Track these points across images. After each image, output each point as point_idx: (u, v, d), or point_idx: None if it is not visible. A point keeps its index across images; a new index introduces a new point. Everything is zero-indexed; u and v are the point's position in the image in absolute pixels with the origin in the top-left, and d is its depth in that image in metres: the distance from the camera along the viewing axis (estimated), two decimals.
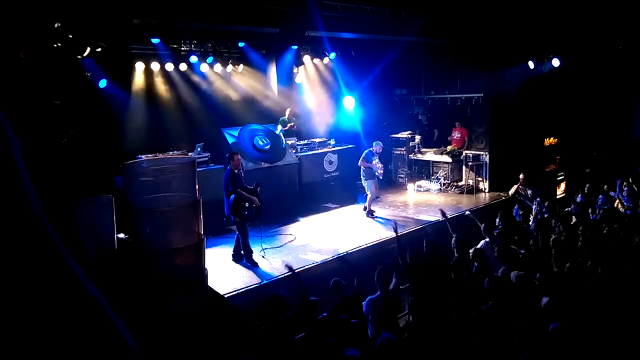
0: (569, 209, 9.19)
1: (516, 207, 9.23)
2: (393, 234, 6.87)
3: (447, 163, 12.64)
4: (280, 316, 4.59)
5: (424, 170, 13.17)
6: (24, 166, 1.05)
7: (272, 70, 11.74)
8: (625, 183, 10.03)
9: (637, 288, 5.18)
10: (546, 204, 9.03)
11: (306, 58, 11.51)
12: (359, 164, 10.14)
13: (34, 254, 0.99)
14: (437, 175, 12.79)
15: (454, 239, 6.67)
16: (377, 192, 10.30)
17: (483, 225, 7.21)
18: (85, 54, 7.80)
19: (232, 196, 7.23)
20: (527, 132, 12.57)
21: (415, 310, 5.15)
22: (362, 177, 10.20)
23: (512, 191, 10.98)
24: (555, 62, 12.31)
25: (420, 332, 4.38)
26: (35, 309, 0.96)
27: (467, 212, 9.05)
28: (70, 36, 7.28)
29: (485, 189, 12.29)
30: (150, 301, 1.67)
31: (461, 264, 6.08)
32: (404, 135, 13.24)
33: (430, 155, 12.95)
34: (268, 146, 9.88)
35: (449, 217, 7.76)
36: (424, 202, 11.50)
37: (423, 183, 12.78)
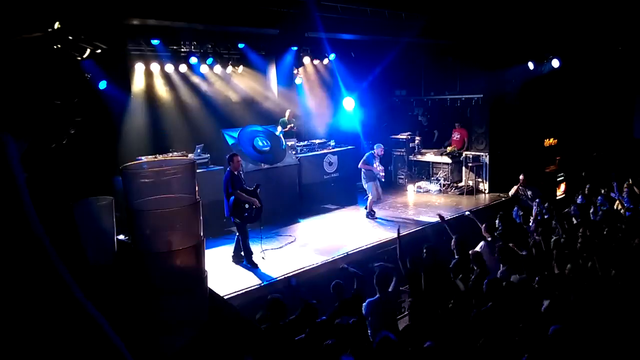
0: (569, 209, 9.19)
1: (516, 208, 9.24)
2: (393, 235, 6.86)
3: (447, 164, 12.64)
4: (279, 320, 4.58)
5: (424, 171, 13.18)
6: (27, 193, 1.04)
7: (272, 72, 11.73)
8: (625, 184, 10.01)
9: (638, 289, 5.18)
10: (546, 204, 9.03)
11: (306, 59, 11.51)
12: (359, 166, 10.11)
13: (32, 276, 0.99)
14: (437, 176, 12.79)
15: (453, 240, 6.68)
16: (379, 195, 10.22)
17: (484, 225, 7.22)
18: (85, 56, 7.80)
19: (232, 197, 7.22)
20: (527, 132, 12.57)
21: (413, 313, 5.15)
22: (362, 179, 10.19)
23: (512, 192, 10.98)
24: (555, 63, 12.32)
25: (419, 333, 4.38)
26: (31, 333, 0.96)
27: (467, 213, 9.06)
28: (70, 37, 7.28)
29: (485, 189, 12.29)
30: (149, 303, 1.67)
31: (461, 266, 6.08)
32: (403, 136, 13.25)
33: (430, 156, 12.95)
34: (268, 147, 9.86)
35: (449, 218, 7.75)
36: (424, 203, 11.50)
37: (423, 184, 12.78)
